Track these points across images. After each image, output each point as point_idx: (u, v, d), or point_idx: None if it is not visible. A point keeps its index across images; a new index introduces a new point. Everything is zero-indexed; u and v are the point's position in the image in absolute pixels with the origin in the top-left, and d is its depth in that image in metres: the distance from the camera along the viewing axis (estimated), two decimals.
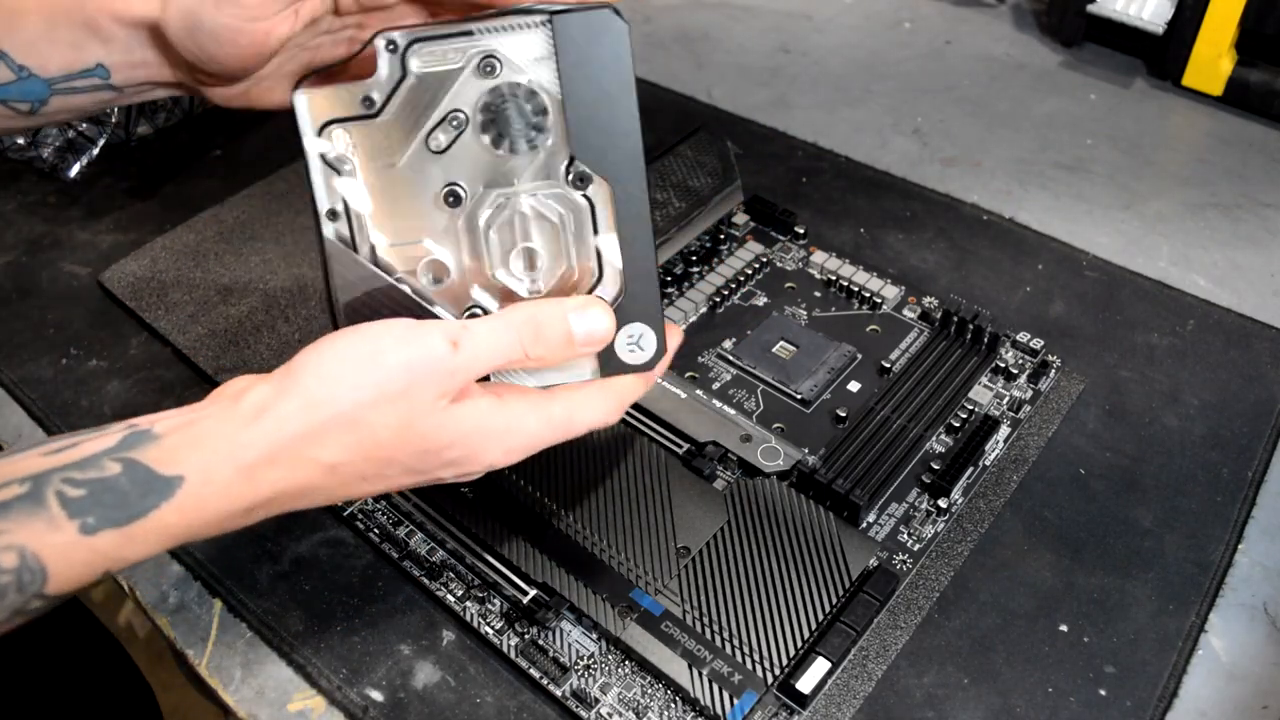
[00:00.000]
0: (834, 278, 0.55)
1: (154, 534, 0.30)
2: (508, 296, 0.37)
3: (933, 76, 0.76)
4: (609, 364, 0.37)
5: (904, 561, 0.43)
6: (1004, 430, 0.47)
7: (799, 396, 0.49)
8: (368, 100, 0.35)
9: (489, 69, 0.35)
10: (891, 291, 0.54)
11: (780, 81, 0.76)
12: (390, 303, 0.36)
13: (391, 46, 0.35)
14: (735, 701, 0.37)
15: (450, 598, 0.42)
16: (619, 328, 0.37)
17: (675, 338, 0.39)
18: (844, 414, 0.48)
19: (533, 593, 0.41)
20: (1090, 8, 0.74)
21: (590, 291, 0.37)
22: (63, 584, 0.29)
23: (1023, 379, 0.50)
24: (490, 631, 0.41)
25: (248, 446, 0.31)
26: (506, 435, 0.35)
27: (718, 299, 0.55)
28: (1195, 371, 0.51)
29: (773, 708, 0.38)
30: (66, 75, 0.41)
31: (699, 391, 0.49)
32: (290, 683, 0.41)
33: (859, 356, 0.51)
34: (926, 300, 0.54)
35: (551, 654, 0.40)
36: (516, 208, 0.36)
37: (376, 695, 0.40)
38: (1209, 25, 0.68)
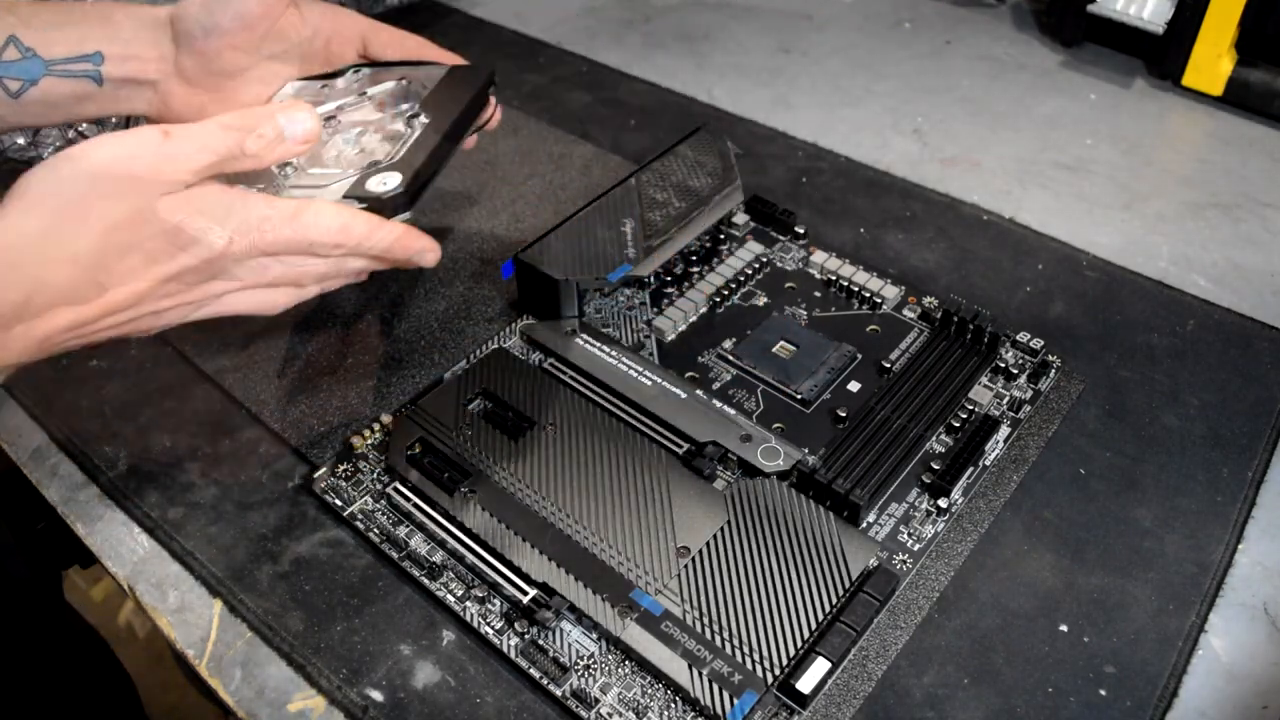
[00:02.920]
0: (834, 278, 0.55)
1: None
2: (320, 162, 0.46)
3: (933, 76, 0.76)
4: (355, 188, 0.43)
5: (904, 561, 0.43)
6: (1004, 430, 0.47)
7: (799, 396, 0.49)
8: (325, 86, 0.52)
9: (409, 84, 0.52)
10: (891, 291, 0.54)
11: (780, 81, 0.76)
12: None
13: (355, 69, 0.53)
14: (735, 701, 0.37)
15: (450, 598, 0.42)
16: (381, 172, 0.44)
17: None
18: (844, 414, 0.48)
19: (533, 593, 0.41)
20: (1090, 8, 0.74)
21: (375, 162, 0.45)
22: None
23: (1023, 379, 0.50)
24: (490, 631, 0.41)
25: None
26: (231, 214, 0.38)
27: (718, 299, 0.55)
28: (1195, 371, 0.51)
29: (773, 708, 0.38)
30: (66, 59, 0.46)
31: (699, 391, 0.49)
32: (290, 683, 0.41)
33: (859, 356, 0.51)
34: (926, 300, 0.54)
35: (551, 654, 0.40)
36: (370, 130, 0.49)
37: (376, 695, 0.40)
38: (1209, 25, 0.68)
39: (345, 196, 0.43)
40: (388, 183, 0.43)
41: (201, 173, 0.37)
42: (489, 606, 0.42)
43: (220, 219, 0.38)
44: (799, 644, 0.39)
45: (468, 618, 0.41)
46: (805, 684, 0.38)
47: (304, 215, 0.40)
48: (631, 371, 0.49)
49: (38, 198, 0.35)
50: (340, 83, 0.52)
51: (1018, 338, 0.51)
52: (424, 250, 0.45)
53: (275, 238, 0.39)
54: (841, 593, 0.40)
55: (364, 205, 0.42)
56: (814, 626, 0.39)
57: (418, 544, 0.44)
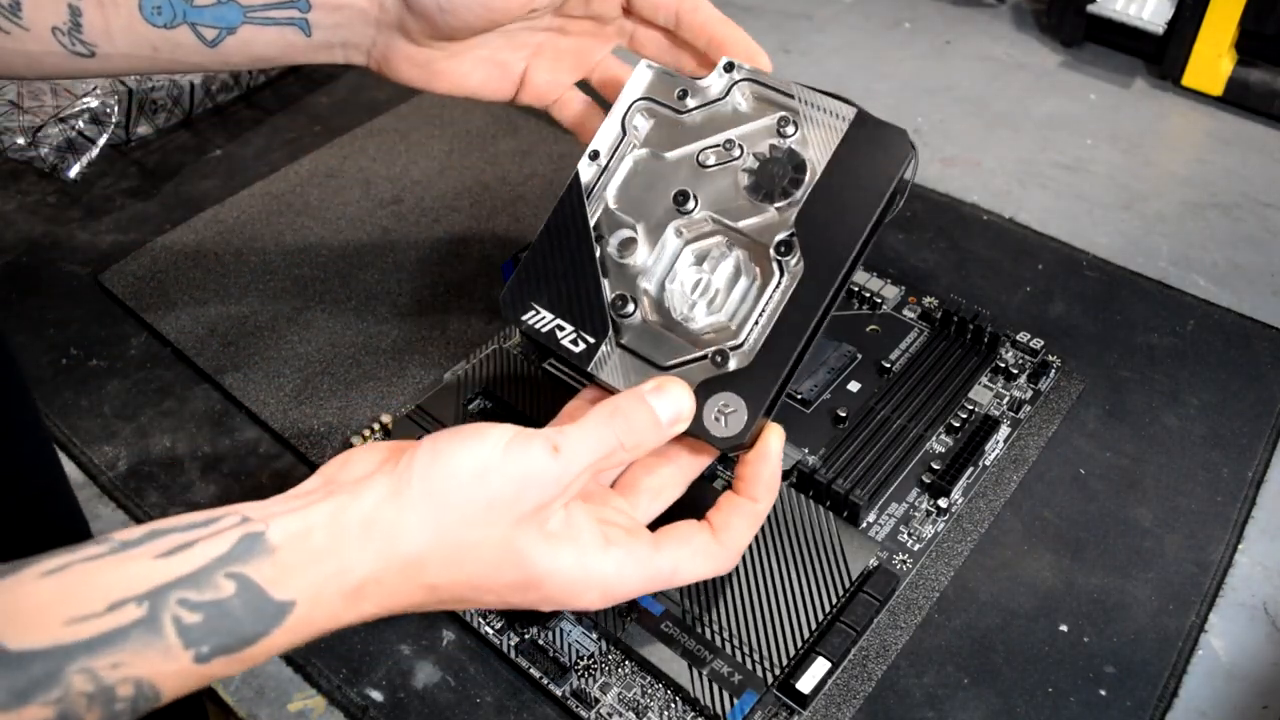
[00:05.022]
0: None
1: (260, 655, 0.29)
2: (661, 312, 0.39)
3: (933, 76, 0.76)
4: (694, 425, 0.36)
5: (904, 561, 0.43)
6: (1004, 430, 0.47)
7: (799, 396, 0.49)
8: (683, 94, 0.40)
9: (783, 126, 0.39)
10: (891, 291, 0.54)
11: None
12: (570, 249, 0.40)
13: (729, 68, 0.40)
14: (735, 701, 0.37)
15: None
16: (722, 392, 0.36)
17: (775, 436, 0.37)
18: (844, 414, 0.48)
19: None
20: (1090, 8, 0.74)
21: (723, 352, 0.37)
22: (171, 698, 0.28)
23: (1023, 379, 0.50)
24: (490, 631, 0.41)
25: (355, 568, 0.30)
26: (605, 584, 0.34)
27: None
28: (1195, 371, 0.51)
29: (773, 708, 0.38)
30: (265, 5, 0.41)
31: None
32: (290, 683, 0.41)
33: (859, 356, 0.51)
34: (926, 300, 0.54)
35: (551, 654, 0.40)
36: (722, 239, 0.39)
37: (376, 695, 0.40)
38: (1209, 25, 0.68)
39: (689, 432, 0.37)
40: (729, 421, 0.36)
41: (583, 483, 0.34)
42: None
43: (593, 589, 0.34)
44: (799, 644, 0.39)
45: (467, 617, 0.41)
46: (805, 684, 0.38)
47: (681, 571, 0.36)
48: None
49: (424, 520, 0.31)
50: (712, 88, 0.40)
51: (1018, 338, 0.51)
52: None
53: (643, 593, 0.36)
54: (841, 593, 0.40)
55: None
56: (814, 626, 0.39)
57: None
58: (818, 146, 0.38)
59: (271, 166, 0.67)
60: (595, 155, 0.41)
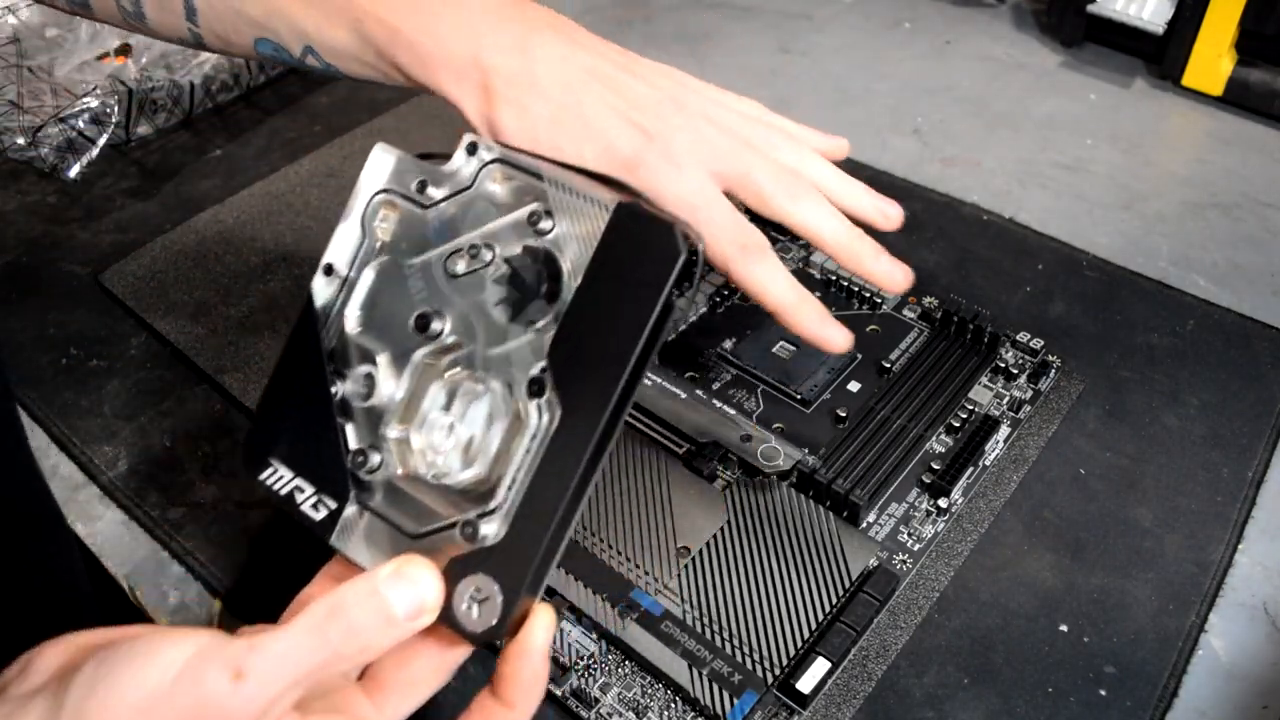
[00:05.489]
0: (834, 278, 0.55)
1: None
2: (411, 464, 0.32)
3: (933, 76, 0.76)
4: (444, 613, 0.29)
5: (904, 561, 0.43)
6: (1004, 430, 0.47)
7: (799, 396, 0.49)
8: (422, 186, 0.33)
9: (535, 221, 0.31)
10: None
11: (780, 81, 0.76)
12: (305, 390, 0.33)
13: (471, 149, 0.33)
14: (735, 701, 0.37)
15: None
16: (475, 573, 0.29)
17: (541, 625, 0.29)
18: (844, 414, 0.48)
19: None
20: (1090, 8, 0.74)
21: (472, 523, 0.29)
22: None
23: (1023, 379, 0.50)
24: None
25: None
26: None
27: (718, 299, 0.55)
28: (1195, 371, 0.51)
29: (773, 708, 0.38)
30: (370, 80, 0.40)
31: (699, 391, 0.49)
32: None
33: (859, 356, 0.51)
34: (926, 300, 0.54)
35: (551, 654, 0.40)
36: (472, 379, 0.32)
37: None
38: (1209, 25, 0.68)
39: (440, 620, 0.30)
40: (482, 609, 0.29)
41: (285, 708, 0.27)
42: None
43: None
44: (799, 644, 0.39)
45: None
46: (805, 684, 0.38)
47: None
48: None
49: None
50: (459, 173, 0.33)
51: (1018, 338, 0.51)
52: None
53: None
54: (841, 593, 0.40)
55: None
56: (814, 626, 0.39)
57: None
58: (576, 247, 0.30)
59: (271, 166, 0.67)
60: (330, 270, 0.34)
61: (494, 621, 0.29)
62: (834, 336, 0.38)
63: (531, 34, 0.37)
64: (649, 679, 0.39)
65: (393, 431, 0.32)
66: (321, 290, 0.34)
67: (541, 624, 0.30)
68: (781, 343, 0.52)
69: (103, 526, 0.47)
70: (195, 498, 0.47)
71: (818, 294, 0.54)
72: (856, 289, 0.55)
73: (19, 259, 0.62)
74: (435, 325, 0.32)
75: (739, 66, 0.77)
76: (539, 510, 0.29)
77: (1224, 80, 0.70)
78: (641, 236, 0.29)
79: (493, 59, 0.36)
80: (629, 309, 0.29)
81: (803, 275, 0.56)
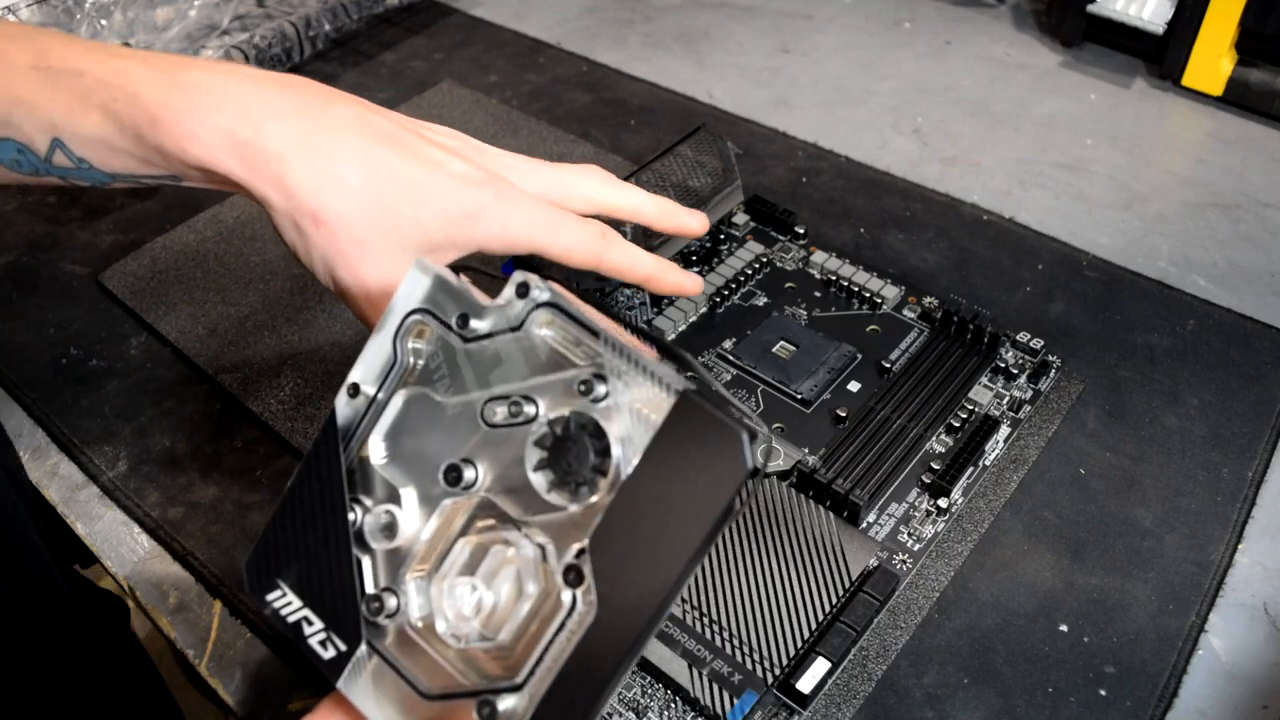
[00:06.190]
0: (834, 278, 0.55)
1: None
2: (429, 616, 0.30)
3: (933, 76, 0.76)
4: None
5: (904, 561, 0.43)
6: (1004, 430, 0.47)
7: (799, 396, 0.49)
8: (464, 320, 0.30)
9: (586, 390, 0.28)
10: (891, 291, 0.54)
11: (780, 81, 0.76)
12: (322, 515, 0.31)
13: (523, 291, 0.29)
14: (735, 701, 0.37)
15: None
16: None
17: None
18: (844, 414, 0.48)
19: None
20: (1090, 8, 0.74)
21: (491, 705, 0.27)
22: None
23: (1023, 379, 0.50)
24: None
25: None
26: None
27: (718, 299, 0.55)
28: (1195, 371, 0.51)
29: (773, 708, 0.38)
30: (132, 175, 0.38)
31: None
32: (290, 683, 0.41)
33: (859, 356, 0.51)
34: (926, 300, 0.54)
35: None
36: (504, 534, 0.29)
37: None
38: (1209, 25, 0.68)
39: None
40: None
41: None
42: None
43: None
44: (799, 644, 0.39)
45: None
46: (805, 684, 0.38)
47: None
48: None
49: None
50: (507, 311, 0.30)
51: (1018, 338, 0.51)
52: None
53: None
54: (841, 593, 0.40)
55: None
56: (814, 626, 0.39)
57: None
58: (631, 426, 0.27)
59: None
60: (355, 391, 0.31)
61: None
62: (687, 282, 0.46)
63: (315, 105, 0.38)
64: (649, 679, 0.39)
65: (412, 576, 0.30)
66: (343, 408, 0.32)
67: None
68: (782, 343, 0.52)
69: (103, 526, 0.47)
70: (195, 498, 0.47)
71: (817, 294, 0.55)
72: (856, 289, 0.55)
73: (19, 259, 0.62)
74: (468, 475, 0.30)
75: (739, 66, 0.77)
76: (568, 705, 0.27)
77: (1224, 80, 0.70)
78: (705, 434, 0.26)
79: (279, 141, 0.35)
80: (686, 510, 0.26)
81: (803, 275, 0.56)
